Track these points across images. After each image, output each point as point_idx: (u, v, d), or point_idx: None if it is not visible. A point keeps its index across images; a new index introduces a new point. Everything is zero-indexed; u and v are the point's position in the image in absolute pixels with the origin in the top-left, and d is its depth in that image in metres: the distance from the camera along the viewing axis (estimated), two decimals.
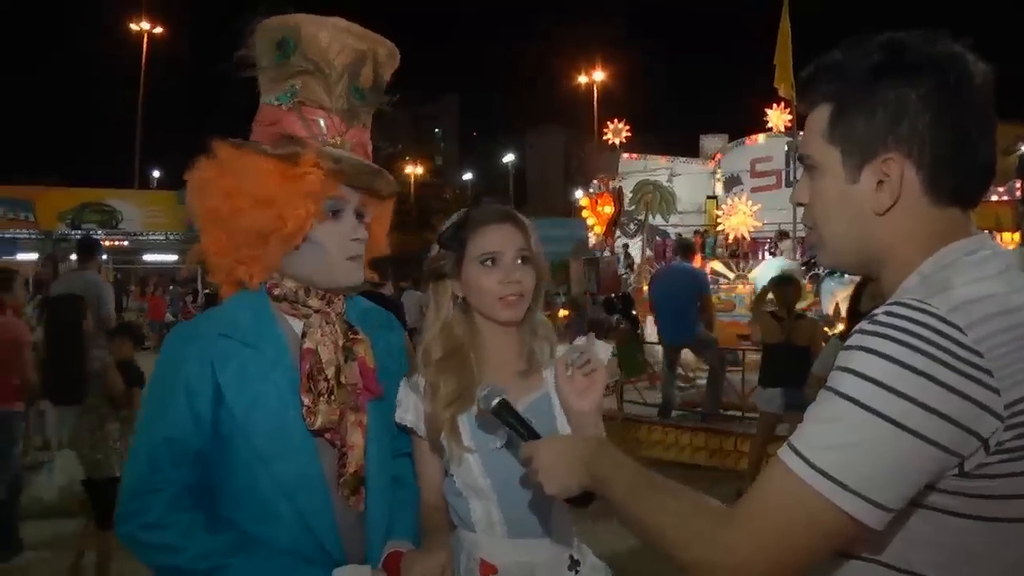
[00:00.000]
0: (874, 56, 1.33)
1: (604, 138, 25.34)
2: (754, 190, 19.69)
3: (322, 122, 1.97)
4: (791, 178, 18.27)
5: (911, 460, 1.17)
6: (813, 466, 1.20)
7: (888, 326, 1.20)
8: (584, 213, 18.81)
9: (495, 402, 1.85)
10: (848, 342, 1.25)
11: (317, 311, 2.03)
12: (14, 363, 6.25)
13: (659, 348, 10.17)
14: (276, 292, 2.02)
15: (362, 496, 2.03)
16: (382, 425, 2.11)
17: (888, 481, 1.18)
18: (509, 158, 65.46)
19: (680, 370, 10.32)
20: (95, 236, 29.08)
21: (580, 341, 2.02)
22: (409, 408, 2.11)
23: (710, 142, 22.39)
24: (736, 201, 18.47)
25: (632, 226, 19.51)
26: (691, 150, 22.82)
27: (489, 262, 2.07)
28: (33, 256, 26.85)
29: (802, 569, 1.25)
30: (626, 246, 18.81)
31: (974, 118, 1.31)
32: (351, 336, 2.09)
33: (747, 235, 17.78)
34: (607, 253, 17.66)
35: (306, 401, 1.93)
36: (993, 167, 1.35)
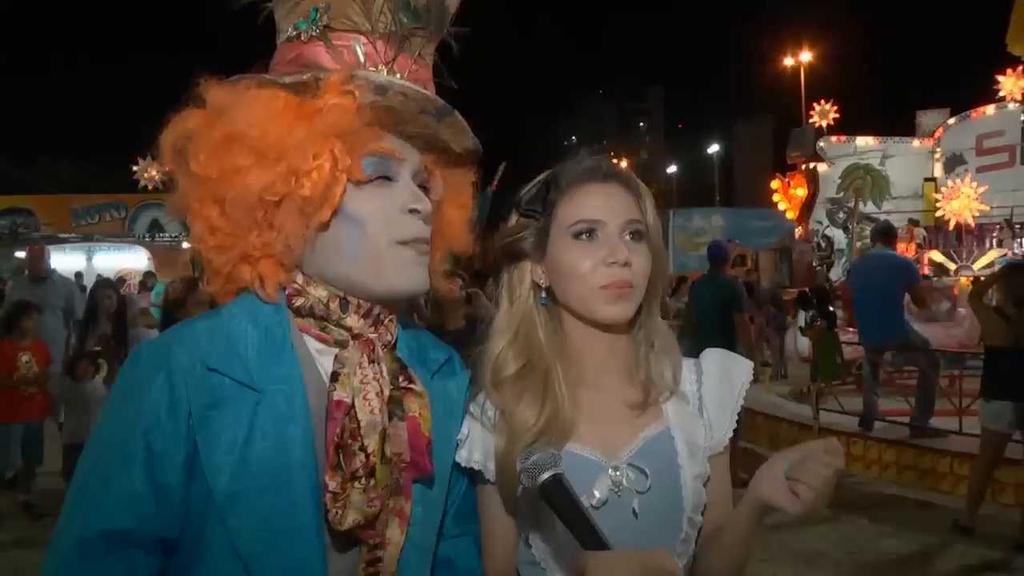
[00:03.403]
0: None
1: (811, 122, 24.03)
2: (980, 170, 18.79)
3: (359, 48, 1.39)
4: None
5: None
6: None
7: None
8: (775, 197, 17.77)
9: (544, 477, 1.30)
10: None
11: (356, 336, 1.40)
12: None
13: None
14: (298, 303, 1.40)
15: None
16: (428, 514, 1.47)
17: None
18: (714, 149, 64.38)
19: None
20: None
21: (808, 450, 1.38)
22: (476, 445, 1.54)
23: (928, 118, 21.38)
24: (959, 183, 17.23)
25: (841, 214, 18.31)
26: (906, 129, 21.86)
27: (585, 235, 1.54)
28: None
29: None
30: (826, 237, 17.45)
31: None
32: (402, 384, 1.43)
33: (971, 221, 16.51)
34: (803, 242, 16.58)
35: (332, 485, 1.30)
36: None
